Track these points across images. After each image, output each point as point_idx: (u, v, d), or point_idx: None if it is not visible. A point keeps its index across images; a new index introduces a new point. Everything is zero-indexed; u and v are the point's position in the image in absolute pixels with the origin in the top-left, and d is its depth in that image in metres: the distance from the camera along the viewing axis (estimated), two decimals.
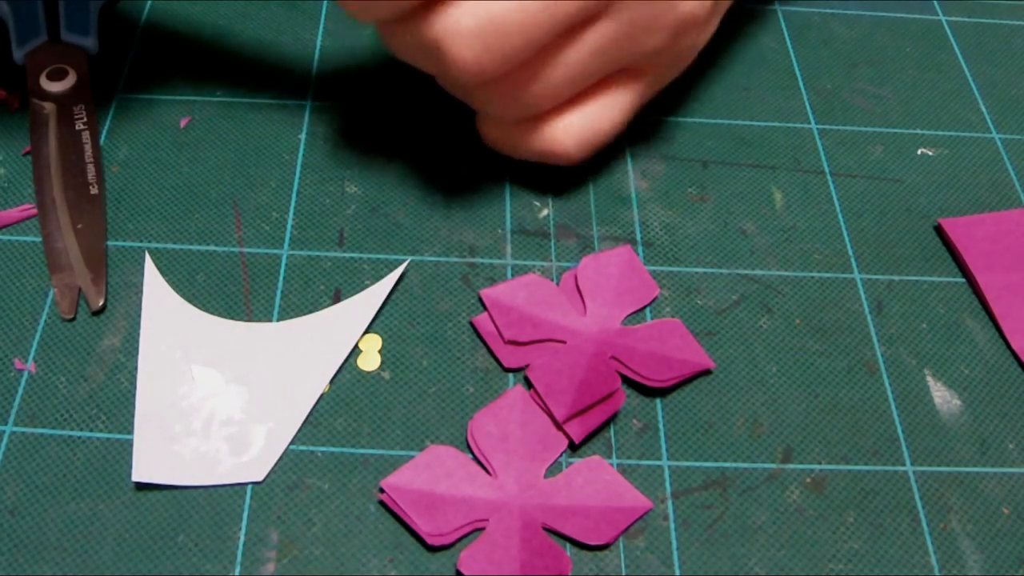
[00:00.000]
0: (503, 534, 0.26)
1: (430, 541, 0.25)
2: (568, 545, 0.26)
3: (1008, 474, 0.28)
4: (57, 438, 0.27)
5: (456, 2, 0.26)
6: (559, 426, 0.28)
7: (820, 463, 0.28)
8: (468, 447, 0.27)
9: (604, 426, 0.28)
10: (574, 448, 0.28)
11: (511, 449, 0.27)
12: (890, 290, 0.32)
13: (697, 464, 0.28)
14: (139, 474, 0.26)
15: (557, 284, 0.31)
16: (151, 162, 0.34)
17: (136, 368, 0.28)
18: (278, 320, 0.30)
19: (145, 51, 0.37)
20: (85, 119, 0.34)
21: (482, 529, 0.26)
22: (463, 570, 0.25)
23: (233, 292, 0.30)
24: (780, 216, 0.34)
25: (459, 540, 0.26)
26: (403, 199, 0.33)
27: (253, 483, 0.26)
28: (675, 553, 0.26)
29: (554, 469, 0.27)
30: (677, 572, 0.26)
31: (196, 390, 0.28)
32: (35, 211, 0.32)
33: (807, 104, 0.38)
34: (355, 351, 0.29)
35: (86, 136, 0.33)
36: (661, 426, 0.28)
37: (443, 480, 0.26)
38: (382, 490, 0.26)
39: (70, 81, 0.35)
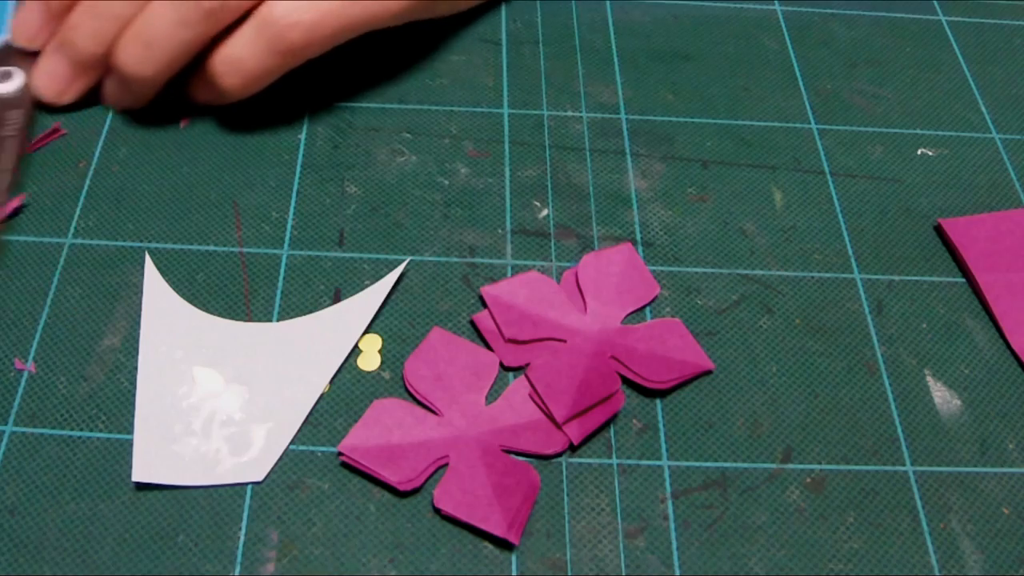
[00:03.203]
0: (467, 465, 0.27)
1: (401, 488, 0.26)
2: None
3: (1008, 474, 0.28)
4: (57, 438, 0.27)
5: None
6: (488, 345, 0.29)
7: (820, 463, 0.28)
8: (409, 395, 0.28)
9: (604, 427, 0.28)
10: (574, 449, 0.28)
11: (447, 386, 0.28)
12: (890, 290, 0.32)
13: (697, 464, 0.28)
14: (139, 474, 0.26)
15: (558, 283, 0.31)
16: (151, 162, 0.34)
17: (136, 368, 0.28)
18: (278, 320, 0.30)
19: None
20: (19, 125, 0.32)
21: (446, 465, 0.27)
22: (440, 506, 0.26)
23: (233, 292, 0.30)
24: (780, 216, 0.34)
25: (427, 481, 0.27)
26: (403, 199, 0.33)
27: (253, 483, 0.26)
28: (675, 553, 0.26)
29: (493, 394, 0.28)
30: (677, 572, 0.26)
31: (196, 390, 0.28)
32: None
33: (807, 104, 0.38)
34: (355, 351, 0.29)
35: (11, 144, 0.32)
36: (661, 426, 0.28)
37: (395, 430, 0.27)
38: (340, 453, 0.27)
39: (13, 85, 0.34)
